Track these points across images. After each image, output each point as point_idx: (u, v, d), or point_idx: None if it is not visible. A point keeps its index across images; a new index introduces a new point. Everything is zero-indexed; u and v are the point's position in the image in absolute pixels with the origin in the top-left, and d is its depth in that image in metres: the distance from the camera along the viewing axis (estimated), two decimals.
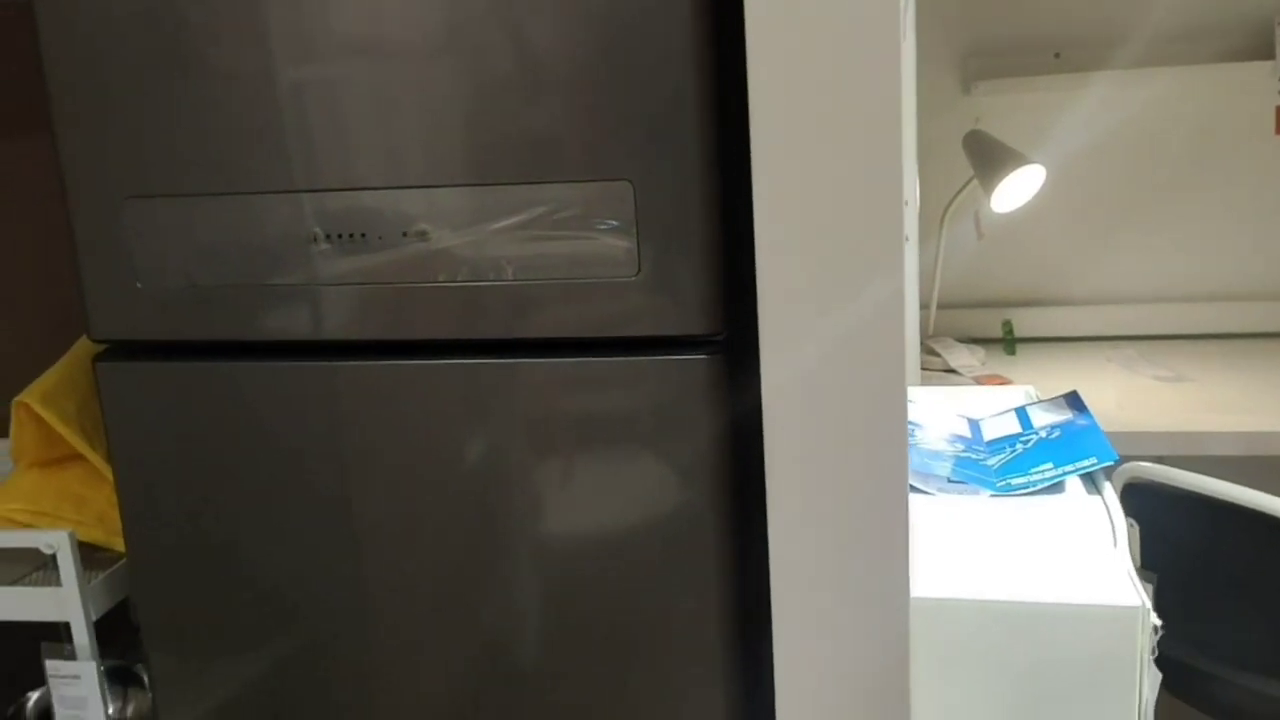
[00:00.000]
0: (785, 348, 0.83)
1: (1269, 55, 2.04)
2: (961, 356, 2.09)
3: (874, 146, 0.79)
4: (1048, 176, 2.02)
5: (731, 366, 0.92)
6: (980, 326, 2.24)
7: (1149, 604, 0.90)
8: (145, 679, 1.38)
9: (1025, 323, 2.23)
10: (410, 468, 0.98)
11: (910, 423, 0.99)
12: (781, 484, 0.86)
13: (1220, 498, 1.40)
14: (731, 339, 0.91)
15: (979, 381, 1.96)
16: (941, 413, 1.36)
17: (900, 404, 0.80)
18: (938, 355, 2.10)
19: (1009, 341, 2.21)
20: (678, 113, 0.86)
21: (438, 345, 0.96)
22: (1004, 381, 1.95)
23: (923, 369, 2.07)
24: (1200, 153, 2.13)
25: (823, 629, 0.88)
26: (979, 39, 2.15)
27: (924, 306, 2.18)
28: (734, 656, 0.96)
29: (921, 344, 2.13)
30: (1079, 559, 0.97)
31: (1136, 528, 1.04)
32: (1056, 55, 2.11)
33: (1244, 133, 2.11)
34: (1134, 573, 0.95)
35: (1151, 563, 1.06)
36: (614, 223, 0.88)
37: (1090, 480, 1.15)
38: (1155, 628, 0.90)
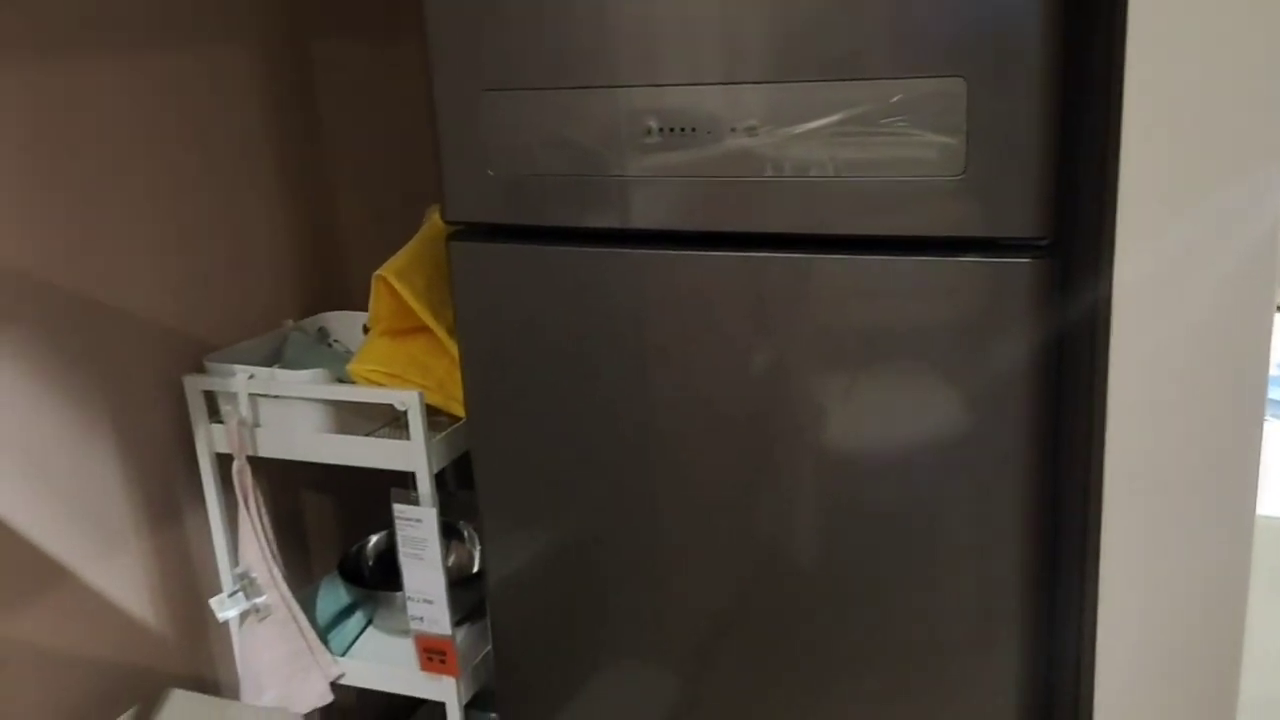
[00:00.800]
0: (1143, 240, 0.80)
1: None
2: None
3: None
4: None
5: (1056, 273, 0.90)
6: None
7: None
8: (464, 535, 1.53)
9: None
10: (729, 352, 1.02)
11: None
12: (1125, 389, 0.83)
13: None
14: (1054, 246, 0.89)
15: None
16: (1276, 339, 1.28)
17: (1270, 304, 0.76)
18: None
19: None
20: (1019, 8, 0.83)
21: (751, 238, 0.99)
22: None
23: None
24: None
25: (1159, 544, 0.85)
26: None
27: None
28: (1033, 577, 0.95)
29: None
30: None
31: None
32: None
33: None
34: None
35: None
36: (943, 120, 0.87)
37: None
38: None
